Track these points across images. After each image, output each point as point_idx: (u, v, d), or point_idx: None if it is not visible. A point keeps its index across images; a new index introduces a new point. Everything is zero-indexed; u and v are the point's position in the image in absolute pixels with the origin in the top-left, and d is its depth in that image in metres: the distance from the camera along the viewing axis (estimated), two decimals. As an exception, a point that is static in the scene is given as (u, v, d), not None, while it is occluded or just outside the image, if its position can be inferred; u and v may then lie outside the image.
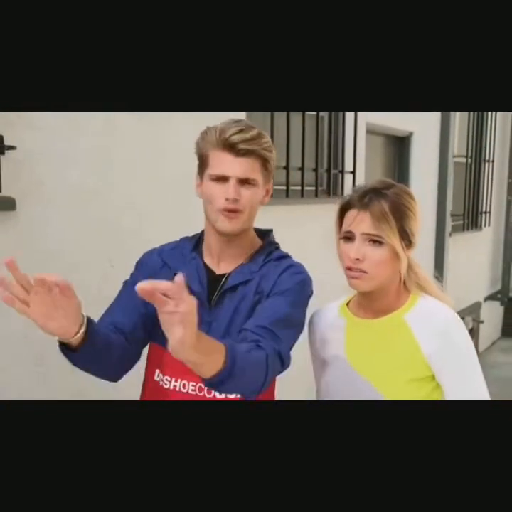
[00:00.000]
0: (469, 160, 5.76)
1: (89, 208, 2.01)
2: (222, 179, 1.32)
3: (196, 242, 1.46)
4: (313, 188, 3.37)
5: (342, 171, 3.62)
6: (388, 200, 1.34)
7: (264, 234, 1.48)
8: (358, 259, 1.33)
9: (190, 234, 1.49)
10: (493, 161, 6.23)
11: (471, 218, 5.90)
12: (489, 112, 5.93)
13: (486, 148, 6.03)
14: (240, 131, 1.31)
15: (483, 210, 6.17)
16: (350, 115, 3.64)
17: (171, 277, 1.39)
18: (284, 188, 3.08)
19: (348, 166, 3.66)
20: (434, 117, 5.00)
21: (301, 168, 3.23)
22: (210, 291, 1.39)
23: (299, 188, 3.21)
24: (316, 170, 3.39)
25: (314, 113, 3.36)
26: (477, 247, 6.20)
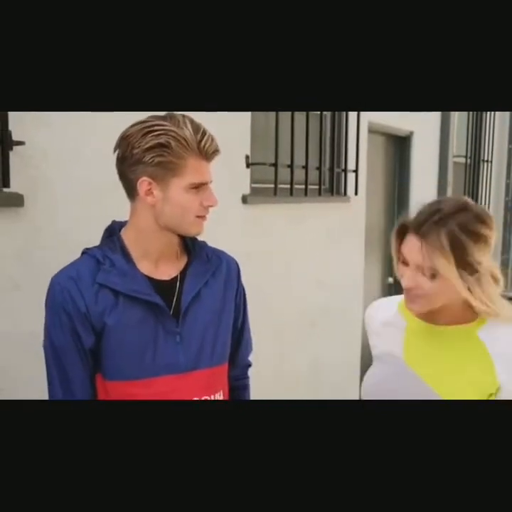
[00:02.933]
0: (468, 160, 5.78)
1: (97, 204, 2.00)
2: (199, 186, 1.34)
3: (122, 252, 1.38)
4: (317, 187, 3.36)
5: (345, 170, 3.63)
6: (449, 229, 1.24)
7: None
8: (411, 288, 1.30)
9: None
10: (491, 162, 6.24)
11: (470, 218, 5.88)
12: (488, 112, 5.94)
13: (484, 148, 6.04)
14: (209, 137, 1.33)
15: (482, 210, 6.16)
16: (352, 115, 3.64)
17: (114, 300, 1.33)
18: (288, 186, 3.08)
19: (351, 165, 3.67)
20: (434, 117, 5.01)
21: (305, 167, 3.23)
22: (164, 299, 1.36)
23: (303, 186, 3.21)
24: (319, 168, 3.39)
25: (318, 113, 3.36)
26: (475, 247, 6.18)
